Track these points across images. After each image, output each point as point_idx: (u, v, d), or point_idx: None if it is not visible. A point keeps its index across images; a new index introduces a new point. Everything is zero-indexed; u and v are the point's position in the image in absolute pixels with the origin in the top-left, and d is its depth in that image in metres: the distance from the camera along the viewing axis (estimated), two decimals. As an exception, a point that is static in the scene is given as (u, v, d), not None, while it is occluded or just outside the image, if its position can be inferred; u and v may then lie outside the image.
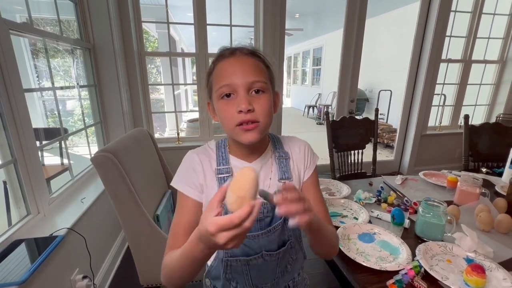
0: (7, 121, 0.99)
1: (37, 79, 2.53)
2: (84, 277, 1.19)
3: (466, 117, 1.78)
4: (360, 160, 1.87)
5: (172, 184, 0.60)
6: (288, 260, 0.64)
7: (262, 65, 0.56)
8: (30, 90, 1.54)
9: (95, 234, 1.42)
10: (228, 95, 0.53)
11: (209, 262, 0.64)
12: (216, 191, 0.50)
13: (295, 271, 0.66)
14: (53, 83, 1.39)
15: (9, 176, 1.05)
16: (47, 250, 0.94)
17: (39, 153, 1.18)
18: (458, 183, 1.15)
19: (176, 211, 0.61)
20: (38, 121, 2.53)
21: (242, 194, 0.37)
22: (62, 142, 1.58)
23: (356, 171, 1.86)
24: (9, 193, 1.10)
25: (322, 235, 0.54)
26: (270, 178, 0.61)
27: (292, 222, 0.42)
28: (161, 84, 5.76)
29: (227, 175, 0.58)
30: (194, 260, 0.46)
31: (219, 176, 0.58)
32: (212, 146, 0.64)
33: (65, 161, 1.72)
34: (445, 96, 3.10)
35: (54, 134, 1.55)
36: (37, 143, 1.16)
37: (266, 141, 0.64)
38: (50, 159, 1.94)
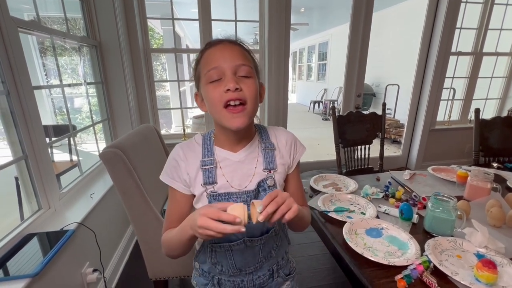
0: (17, 118, 1.01)
1: (45, 77, 2.56)
2: (95, 270, 1.21)
3: (477, 111, 1.74)
4: (367, 156, 1.85)
5: (160, 177, 0.64)
6: (272, 246, 0.66)
7: (247, 53, 0.59)
8: (39, 88, 1.57)
9: (105, 229, 1.44)
10: (216, 80, 0.55)
11: (197, 247, 0.69)
12: (201, 182, 0.60)
13: (279, 256, 0.69)
14: (61, 81, 1.41)
15: (21, 172, 1.08)
16: (58, 244, 0.96)
17: (49, 149, 1.20)
18: (469, 178, 1.13)
19: (168, 200, 0.67)
20: (47, 118, 2.57)
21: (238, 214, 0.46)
22: (71, 139, 1.60)
23: (363, 167, 1.85)
24: (21, 189, 1.13)
25: (300, 220, 0.62)
26: (256, 167, 0.63)
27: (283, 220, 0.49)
28: (167, 81, 5.79)
29: (211, 166, 0.61)
30: (183, 238, 0.56)
31: (204, 168, 0.61)
32: (198, 140, 0.65)
33: (74, 157, 1.75)
34: (454, 90, 3.03)
35: (63, 131, 1.57)
36: (47, 139, 1.18)
37: (252, 131, 0.66)
38: (60, 155, 1.98)
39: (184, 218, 0.64)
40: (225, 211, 0.47)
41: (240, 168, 0.62)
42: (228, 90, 0.53)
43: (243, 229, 0.46)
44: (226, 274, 0.65)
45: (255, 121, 0.68)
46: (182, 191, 0.63)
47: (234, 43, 0.58)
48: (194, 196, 0.63)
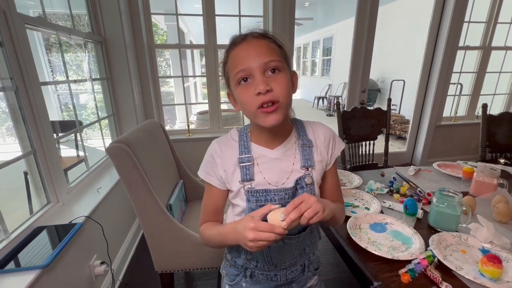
0: (26, 114, 1.03)
1: (51, 73, 2.59)
2: (102, 263, 1.24)
3: (484, 106, 1.71)
4: (371, 151, 1.84)
5: (198, 173, 0.65)
6: (307, 243, 0.66)
7: (274, 45, 0.56)
8: (46, 84, 1.58)
9: (111, 222, 1.47)
10: (245, 80, 0.54)
11: None
12: (239, 179, 0.61)
13: (311, 252, 0.69)
14: (67, 77, 1.42)
15: (30, 166, 1.10)
16: (67, 237, 0.98)
17: (56, 145, 1.22)
18: (475, 173, 1.12)
19: (204, 193, 0.68)
20: (54, 114, 2.60)
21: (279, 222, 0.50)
22: (78, 135, 1.62)
23: (367, 162, 1.84)
24: (30, 183, 1.15)
25: (332, 219, 0.61)
26: (293, 164, 0.62)
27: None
28: (171, 77, 5.79)
29: (249, 163, 0.60)
30: (225, 242, 0.60)
31: (241, 165, 0.61)
32: (234, 137, 0.65)
33: (81, 153, 1.77)
34: (461, 85, 2.98)
35: (70, 127, 1.59)
36: (54, 135, 1.19)
37: (288, 127, 0.64)
38: (66, 151, 2.01)
39: (219, 211, 0.67)
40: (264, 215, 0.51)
41: (277, 165, 0.61)
42: (259, 93, 0.52)
43: (286, 232, 0.49)
44: (261, 269, 0.65)
45: (291, 115, 0.67)
46: (217, 187, 0.64)
47: (258, 38, 0.55)
48: (228, 190, 0.64)
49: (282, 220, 0.49)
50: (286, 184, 0.60)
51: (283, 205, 0.59)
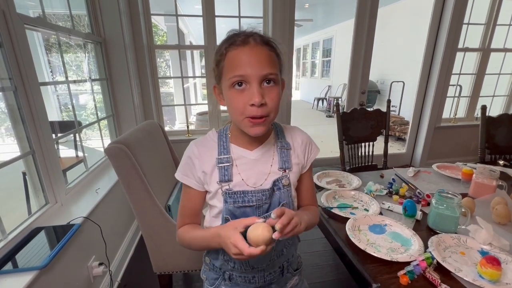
0: (25, 114, 1.02)
1: (51, 74, 2.59)
2: (100, 264, 1.24)
3: (483, 108, 1.71)
4: (370, 153, 1.84)
5: (175, 175, 0.64)
6: (284, 244, 0.67)
7: (274, 54, 0.56)
8: (45, 84, 1.58)
9: (110, 223, 1.47)
10: (239, 84, 0.53)
11: None
12: (217, 179, 0.61)
13: (289, 254, 0.69)
14: (67, 77, 1.42)
15: (28, 167, 1.10)
16: (65, 238, 0.98)
17: (55, 145, 1.22)
18: (474, 175, 1.12)
19: (182, 195, 0.67)
20: (53, 114, 2.60)
21: (259, 243, 0.49)
22: (77, 135, 1.62)
23: (366, 164, 1.84)
24: (28, 184, 1.15)
25: (306, 228, 0.61)
26: (271, 166, 0.63)
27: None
28: (171, 78, 5.80)
29: (227, 164, 0.61)
30: (208, 246, 0.63)
31: (220, 165, 0.61)
32: (213, 137, 0.65)
33: (80, 153, 1.77)
34: (461, 87, 2.98)
35: (69, 127, 1.59)
36: (53, 135, 1.19)
37: (269, 130, 0.65)
38: (65, 151, 2.01)
39: (197, 213, 0.66)
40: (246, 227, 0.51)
41: (255, 166, 0.62)
42: (253, 105, 0.52)
43: (267, 249, 0.49)
44: (238, 270, 0.65)
45: None
46: (195, 188, 0.63)
47: (261, 45, 0.53)
48: (206, 191, 0.64)
49: (273, 229, 0.49)
50: (264, 185, 0.61)
51: (260, 206, 0.60)
